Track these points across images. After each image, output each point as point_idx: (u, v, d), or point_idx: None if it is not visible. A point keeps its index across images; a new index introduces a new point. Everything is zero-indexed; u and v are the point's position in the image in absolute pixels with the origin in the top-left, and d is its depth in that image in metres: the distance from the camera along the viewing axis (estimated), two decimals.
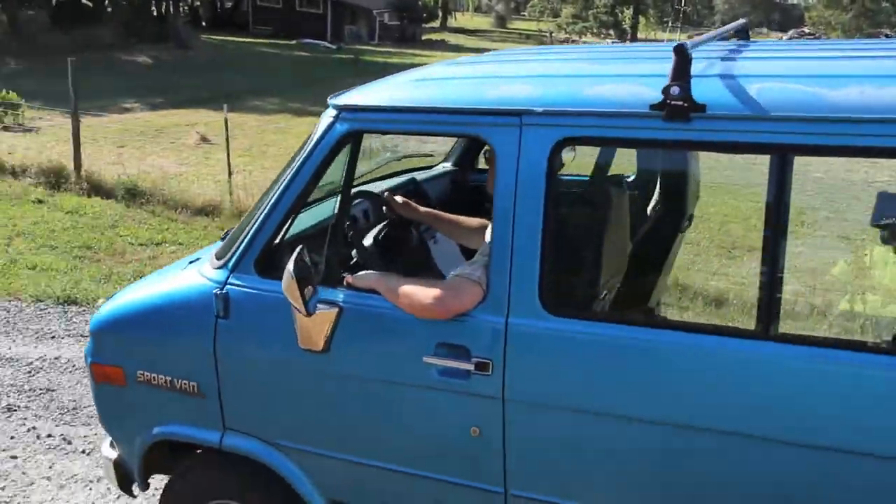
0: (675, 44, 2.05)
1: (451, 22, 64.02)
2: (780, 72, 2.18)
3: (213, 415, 2.72)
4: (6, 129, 14.16)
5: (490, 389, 2.29)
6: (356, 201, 3.22)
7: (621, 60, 2.70)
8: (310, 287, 2.31)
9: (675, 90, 2.02)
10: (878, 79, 2.03)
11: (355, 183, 2.96)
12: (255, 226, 2.57)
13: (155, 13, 36.41)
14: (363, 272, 2.54)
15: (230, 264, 2.61)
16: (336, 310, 2.43)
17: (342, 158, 2.49)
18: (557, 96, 2.23)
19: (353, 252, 2.87)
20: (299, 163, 2.51)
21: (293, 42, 38.37)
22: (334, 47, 37.28)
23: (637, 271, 2.75)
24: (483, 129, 2.29)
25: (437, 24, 56.29)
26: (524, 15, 77.93)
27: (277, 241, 2.56)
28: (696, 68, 2.06)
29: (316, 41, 38.99)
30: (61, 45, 26.98)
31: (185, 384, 2.74)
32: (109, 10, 34.13)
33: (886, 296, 3.55)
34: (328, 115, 2.51)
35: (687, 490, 2.17)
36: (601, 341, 2.17)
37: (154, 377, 2.79)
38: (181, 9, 38.12)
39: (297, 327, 2.46)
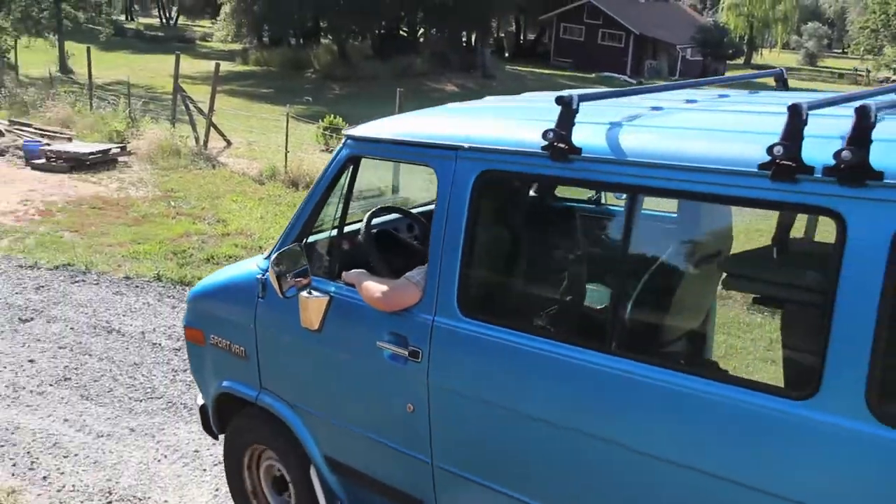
0: (559, 95, 2.38)
1: (756, 59, 60.89)
2: (655, 124, 2.48)
3: (253, 375, 3.36)
4: (329, 151, 15.36)
5: (419, 374, 2.73)
6: (398, 216, 3.74)
7: (546, 109, 2.82)
8: (289, 277, 2.84)
9: (550, 135, 2.37)
10: (730, 133, 2.26)
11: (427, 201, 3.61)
12: (287, 228, 3.18)
13: (464, 44, 38.30)
14: (353, 270, 2.99)
15: (270, 256, 3.11)
16: (327, 298, 2.95)
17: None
18: (482, 136, 2.66)
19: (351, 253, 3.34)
20: (317, 180, 3.12)
21: (592, 75, 38.46)
22: (633, 82, 36.77)
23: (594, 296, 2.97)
24: (432, 159, 2.75)
25: (741, 60, 53.73)
26: (837, 52, 72.26)
27: (303, 240, 3.09)
28: (589, 116, 2.42)
29: (615, 74, 38.78)
30: (380, 72, 29.17)
31: (237, 348, 3.39)
32: (421, 40, 36.42)
33: None
34: (342, 143, 3.07)
35: (576, 478, 2.48)
36: (498, 343, 2.55)
37: (220, 340, 3.48)
38: (488, 40, 39.76)
39: (299, 309, 2.95)
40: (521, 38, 48.51)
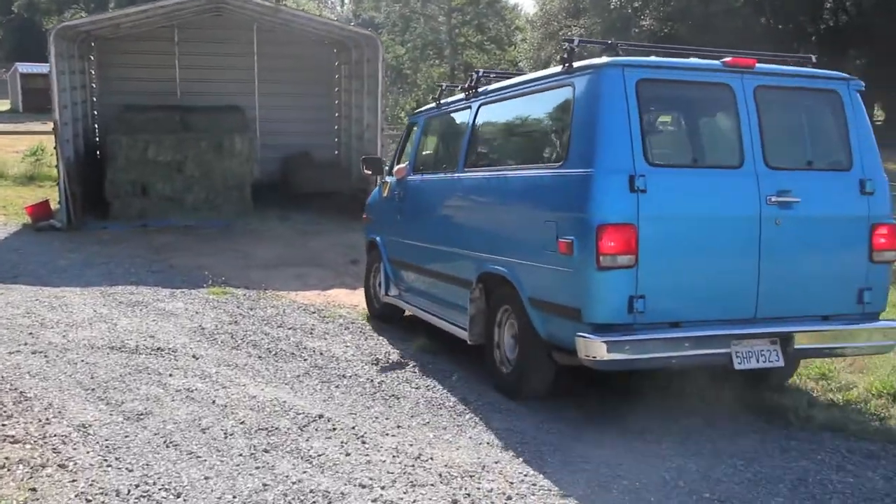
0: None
1: None
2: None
3: (375, 231, 8.36)
4: None
5: (400, 202, 7.86)
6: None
7: None
8: (372, 172, 8.95)
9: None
10: None
11: None
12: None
13: None
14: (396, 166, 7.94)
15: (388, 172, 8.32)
16: (388, 182, 8.09)
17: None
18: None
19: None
20: (399, 140, 9.98)
21: None
22: None
23: None
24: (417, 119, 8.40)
25: None
26: None
27: (392, 161, 8.42)
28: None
29: None
30: None
31: (372, 217, 8.62)
32: None
33: None
34: (407, 121, 9.36)
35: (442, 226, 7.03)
36: (419, 180, 7.61)
37: (368, 217, 8.74)
38: None
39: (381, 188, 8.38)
40: None
